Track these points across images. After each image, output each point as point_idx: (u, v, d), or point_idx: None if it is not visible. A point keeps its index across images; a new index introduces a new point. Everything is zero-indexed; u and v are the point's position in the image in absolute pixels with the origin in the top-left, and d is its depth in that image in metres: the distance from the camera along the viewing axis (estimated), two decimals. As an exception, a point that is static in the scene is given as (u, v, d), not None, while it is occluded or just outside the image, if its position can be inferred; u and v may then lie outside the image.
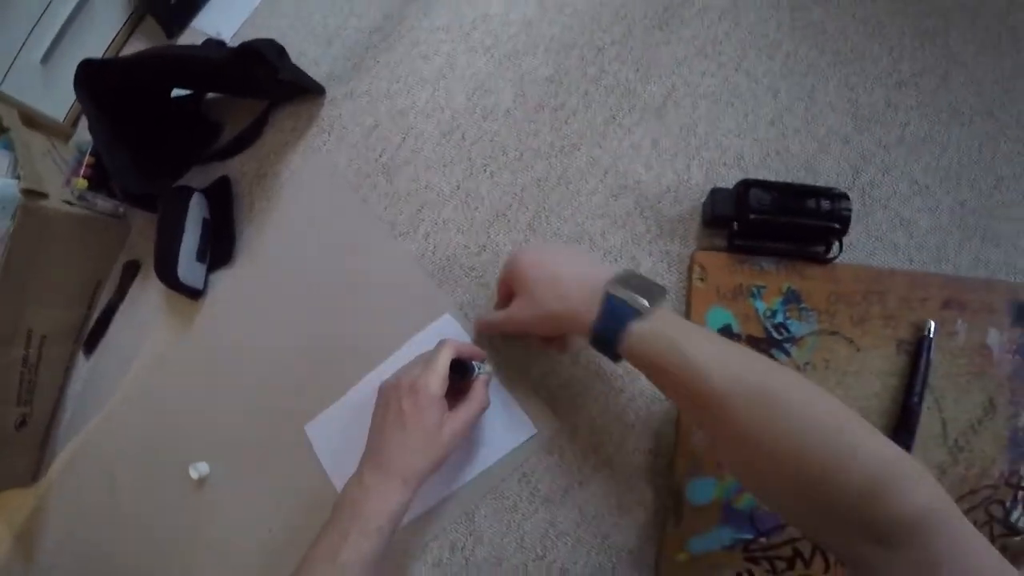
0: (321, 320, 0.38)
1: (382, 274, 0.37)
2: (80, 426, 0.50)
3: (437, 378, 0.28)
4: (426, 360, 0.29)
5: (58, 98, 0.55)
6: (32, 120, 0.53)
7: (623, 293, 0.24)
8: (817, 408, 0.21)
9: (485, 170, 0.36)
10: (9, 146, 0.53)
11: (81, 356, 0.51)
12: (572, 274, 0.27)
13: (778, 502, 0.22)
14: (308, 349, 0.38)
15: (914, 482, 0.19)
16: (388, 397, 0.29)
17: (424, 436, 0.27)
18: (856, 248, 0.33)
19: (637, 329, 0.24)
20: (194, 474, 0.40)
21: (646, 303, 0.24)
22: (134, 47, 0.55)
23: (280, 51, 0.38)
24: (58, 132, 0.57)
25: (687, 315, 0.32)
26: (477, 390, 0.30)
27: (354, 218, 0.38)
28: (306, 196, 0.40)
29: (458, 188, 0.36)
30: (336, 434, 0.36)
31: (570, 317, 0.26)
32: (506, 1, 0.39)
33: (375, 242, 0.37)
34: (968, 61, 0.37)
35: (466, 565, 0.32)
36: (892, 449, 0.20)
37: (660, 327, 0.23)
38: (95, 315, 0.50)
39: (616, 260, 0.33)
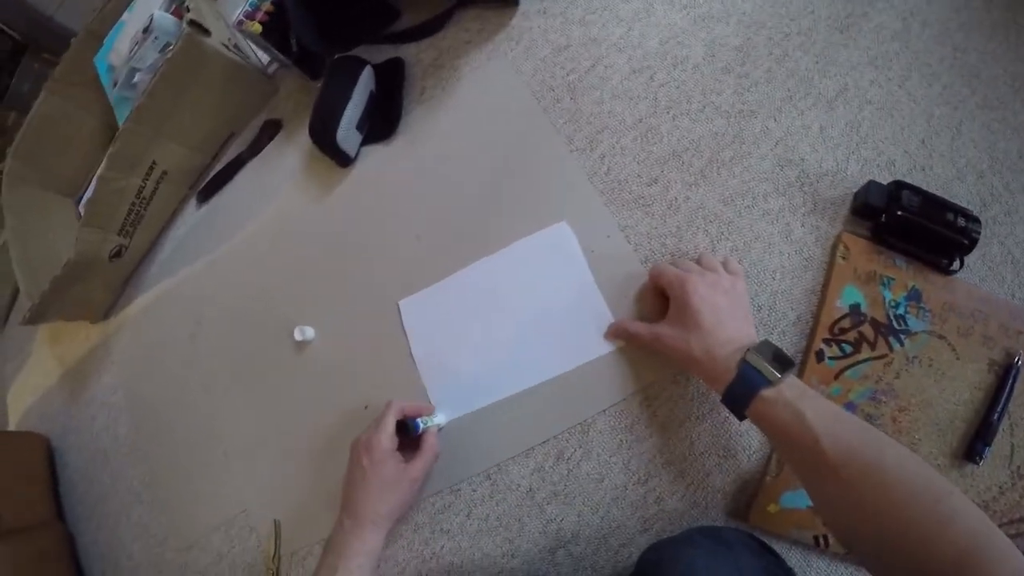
0: (460, 207, 0.41)
1: (545, 178, 0.40)
2: (175, 270, 0.51)
3: (385, 437, 0.34)
4: (376, 421, 0.35)
5: None
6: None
7: (758, 362, 0.28)
8: (920, 482, 0.24)
9: (668, 112, 0.39)
10: None
11: (192, 203, 0.52)
12: (725, 332, 0.30)
13: (875, 563, 0.25)
14: (437, 230, 0.41)
15: (1003, 555, 0.21)
16: (353, 454, 0.36)
17: (383, 486, 0.34)
18: (971, 270, 0.38)
19: (766, 395, 0.27)
20: (299, 336, 0.42)
21: (777, 374, 0.27)
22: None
23: (490, -49, 0.40)
24: None
25: (825, 288, 0.36)
26: (428, 442, 0.36)
27: (530, 123, 0.41)
28: (483, 93, 0.42)
29: (640, 122, 0.39)
30: (425, 313, 0.40)
31: (709, 369, 0.30)
32: (706, -32, 0.43)
33: (547, 149, 0.40)
34: None
35: (567, 476, 0.35)
36: (985, 524, 0.22)
37: (787, 396, 0.27)
38: (218, 166, 0.52)
39: (773, 223, 0.37)
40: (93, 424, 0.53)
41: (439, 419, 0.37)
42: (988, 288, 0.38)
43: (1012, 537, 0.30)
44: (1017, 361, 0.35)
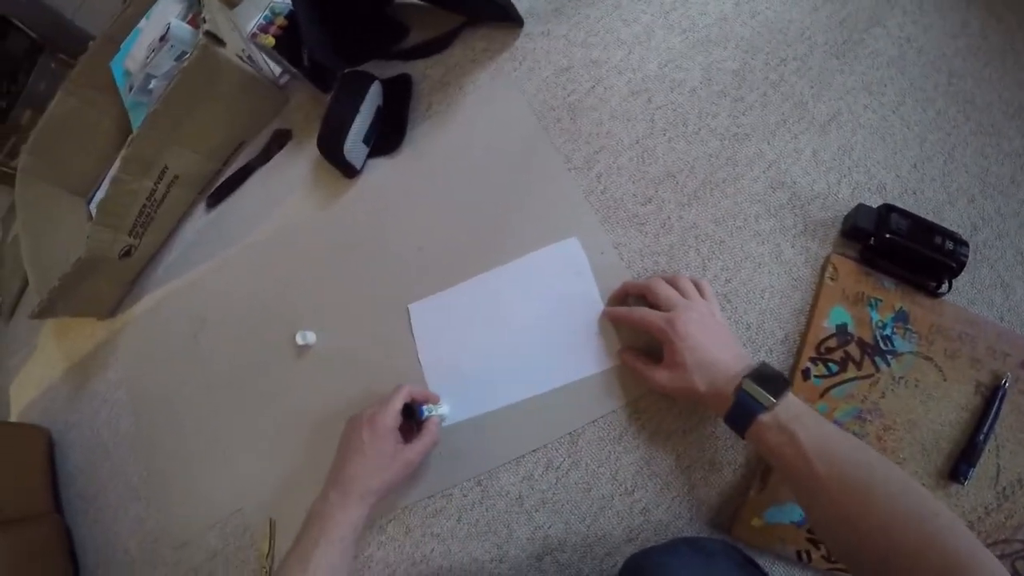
0: (461, 220, 0.44)
1: (541, 195, 0.42)
2: (182, 272, 0.54)
3: (391, 414, 0.36)
4: (383, 399, 0.37)
5: None
6: (208, -24, 0.57)
7: (754, 390, 0.30)
8: (908, 501, 0.26)
9: (664, 134, 0.42)
10: None
11: (201, 207, 0.55)
12: (721, 362, 0.32)
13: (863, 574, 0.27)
14: (438, 242, 0.44)
15: (989, 573, 0.23)
16: (351, 427, 0.37)
17: (379, 460, 0.35)
18: (959, 293, 0.39)
19: (762, 420, 0.29)
20: (300, 340, 0.44)
21: (772, 398, 0.30)
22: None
23: (499, -27, 0.43)
24: None
25: (812, 308, 0.38)
26: (429, 428, 0.37)
27: (530, 142, 0.43)
28: (486, 111, 0.45)
29: (637, 143, 0.42)
30: (434, 318, 0.42)
31: (710, 400, 0.32)
32: (707, -7, 0.46)
33: (545, 167, 0.43)
34: None
35: (555, 484, 0.37)
36: (972, 543, 0.24)
37: (781, 419, 0.29)
38: (228, 172, 0.55)
39: (763, 243, 0.39)
40: (95, 419, 0.55)
41: (444, 410, 0.39)
42: (977, 310, 0.40)
43: (999, 558, 0.31)
44: (1004, 383, 0.37)
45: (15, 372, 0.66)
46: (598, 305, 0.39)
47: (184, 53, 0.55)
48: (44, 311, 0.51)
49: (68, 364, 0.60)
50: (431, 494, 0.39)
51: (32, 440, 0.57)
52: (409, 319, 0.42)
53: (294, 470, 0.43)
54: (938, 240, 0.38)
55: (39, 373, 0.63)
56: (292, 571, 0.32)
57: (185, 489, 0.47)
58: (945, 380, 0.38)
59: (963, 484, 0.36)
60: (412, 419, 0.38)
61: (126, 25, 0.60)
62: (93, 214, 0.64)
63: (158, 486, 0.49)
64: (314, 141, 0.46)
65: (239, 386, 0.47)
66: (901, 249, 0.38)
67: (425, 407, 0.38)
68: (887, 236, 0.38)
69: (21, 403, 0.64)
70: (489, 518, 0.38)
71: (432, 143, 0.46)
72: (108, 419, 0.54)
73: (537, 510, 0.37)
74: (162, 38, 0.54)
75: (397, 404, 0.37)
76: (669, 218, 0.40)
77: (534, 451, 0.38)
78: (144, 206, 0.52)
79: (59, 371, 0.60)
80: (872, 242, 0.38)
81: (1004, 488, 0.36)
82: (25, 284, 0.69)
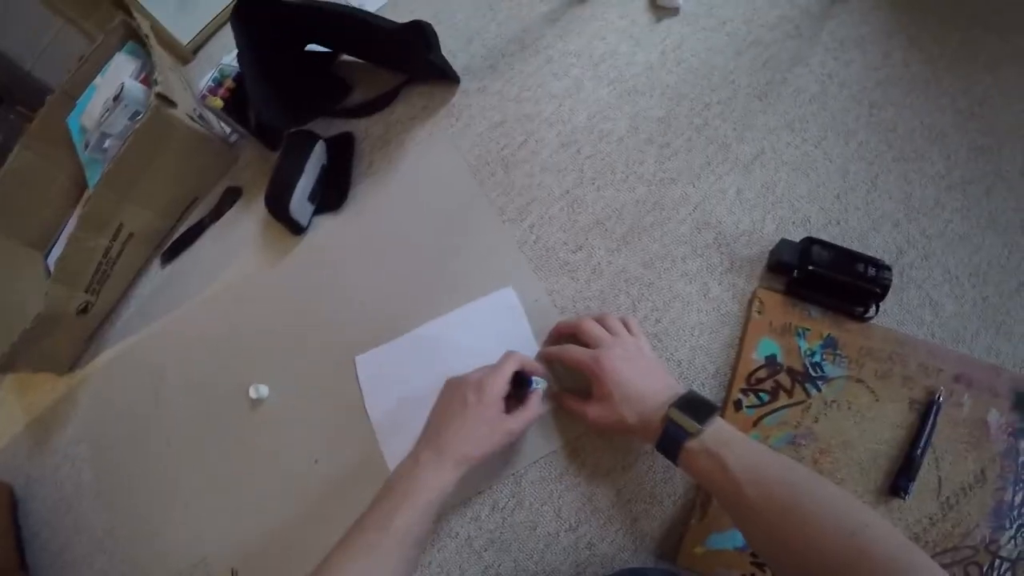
0: (403, 273, 0.50)
1: (478, 247, 0.49)
2: (138, 327, 0.60)
3: (501, 380, 0.38)
4: (493, 366, 0.39)
5: (187, 23, 0.68)
6: (160, 37, 0.64)
7: (679, 417, 0.34)
8: (837, 516, 0.29)
9: (593, 183, 0.49)
10: (136, 53, 0.65)
11: (156, 263, 0.61)
12: (649, 393, 0.36)
13: None
14: (382, 295, 0.50)
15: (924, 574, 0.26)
16: (454, 388, 0.39)
17: (481, 427, 0.36)
18: (888, 315, 0.45)
19: (689, 447, 0.33)
20: (253, 394, 0.50)
21: (698, 425, 0.33)
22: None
23: (435, 36, 0.50)
24: (179, 54, 0.69)
25: (741, 341, 0.44)
26: (534, 401, 0.40)
27: (466, 195, 0.50)
28: (425, 167, 0.52)
29: (567, 193, 0.49)
30: (379, 369, 0.47)
31: (641, 431, 0.36)
32: (633, 44, 0.54)
33: (481, 220, 0.49)
34: (1013, 179, 0.48)
35: (502, 525, 0.43)
36: (904, 548, 0.27)
37: (709, 445, 0.33)
38: (182, 228, 0.61)
39: (691, 283, 0.46)
40: (57, 474, 0.59)
41: (545, 384, 0.41)
42: (908, 330, 0.45)
43: (947, 566, 0.36)
44: (938, 397, 0.42)
45: (-26, 427, 0.72)
46: (534, 350, 0.45)
47: (137, 112, 0.62)
48: (3, 366, 0.56)
49: (28, 419, 0.64)
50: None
51: (-5, 496, 0.62)
52: (355, 370, 0.48)
53: (254, 521, 0.47)
54: (860, 267, 0.44)
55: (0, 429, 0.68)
56: (368, 534, 0.33)
57: (148, 541, 0.52)
58: (878, 400, 0.43)
59: (904, 498, 0.40)
60: (519, 389, 0.40)
61: (82, 81, 0.67)
62: (50, 268, 0.70)
63: (121, 539, 0.53)
64: (262, 199, 0.52)
65: (197, 439, 0.53)
66: (825, 279, 0.44)
67: (534, 378, 0.40)
68: (810, 268, 0.43)
69: (-20, 458, 0.69)
70: (441, 559, 0.43)
71: (374, 200, 0.53)
72: (69, 473, 0.58)
73: (486, 550, 0.42)
74: (116, 97, 0.62)
75: (508, 371, 0.38)
76: (599, 264, 0.47)
77: (479, 493, 0.43)
78: (100, 263, 0.58)
79: (19, 426, 0.65)
80: (796, 275, 0.44)
81: (948, 498, 0.40)
82: (-19, 337, 0.74)
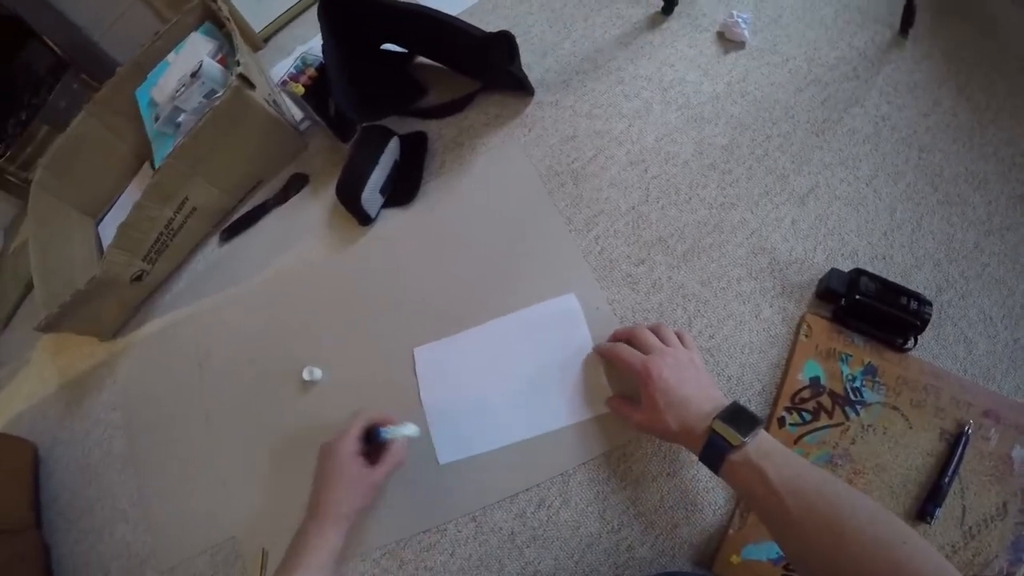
0: (467, 272, 0.53)
1: (543, 253, 0.52)
2: (190, 301, 0.63)
3: (349, 440, 0.43)
4: (342, 429, 0.44)
5: (261, 12, 0.72)
6: (235, 22, 0.69)
7: (723, 429, 0.36)
8: (875, 531, 0.30)
9: (658, 201, 0.53)
10: (211, 34, 0.69)
11: (215, 240, 0.64)
12: (693, 403, 0.39)
13: None
14: (445, 292, 0.53)
15: None
16: (320, 456, 0.44)
17: (345, 486, 0.42)
18: (925, 348, 0.48)
19: (732, 458, 0.35)
20: (307, 376, 0.53)
21: (741, 437, 0.35)
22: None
23: (517, 48, 0.54)
24: (251, 41, 0.74)
25: (788, 362, 0.48)
26: (393, 450, 0.44)
27: (535, 204, 0.54)
28: (496, 172, 0.56)
29: (633, 209, 0.53)
30: (437, 362, 0.51)
31: (684, 439, 0.39)
32: (701, 73, 0.58)
33: (548, 227, 0.53)
34: None
35: (546, 522, 0.46)
36: (939, 566, 0.28)
37: (752, 458, 0.35)
38: (244, 209, 0.64)
39: (744, 303, 0.50)
40: (86, 439, 0.61)
41: (409, 431, 0.45)
42: (942, 364, 0.48)
43: None
44: (967, 429, 0.45)
45: (3, 384, 0.73)
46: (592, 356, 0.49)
47: (213, 91, 0.66)
48: (50, 325, 0.59)
49: (62, 381, 0.67)
50: (426, 528, 0.46)
51: (16, 453, 0.63)
52: (413, 362, 0.51)
53: (291, 502, 0.47)
54: (904, 301, 0.48)
55: (30, 387, 0.70)
56: None
57: (178, 513, 0.54)
58: (911, 428, 0.47)
59: (930, 524, 0.42)
60: (374, 441, 0.44)
61: (154, 56, 0.71)
62: (101, 236, 0.74)
63: (148, 509, 0.55)
64: (330, 187, 0.56)
65: (241, 416, 0.55)
66: (870, 309, 0.47)
67: (383, 429, 0.45)
68: (857, 298, 0.47)
69: (7, 416, 0.70)
70: (482, 553, 0.46)
71: (443, 198, 0.57)
72: (100, 440, 0.61)
73: (528, 546, 0.45)
74: (194, 74, 0.65)
75: (355, 431, 0.43)
76: (659, 278, 0.51)
77: (527, 490, 0.47)
78: (161, 234, 0.61)
79: (52, 387, 0.67)
80: (843, 303, 0.48)
81: (970, 527, 0.43)
82: (22, 296, 0.77)
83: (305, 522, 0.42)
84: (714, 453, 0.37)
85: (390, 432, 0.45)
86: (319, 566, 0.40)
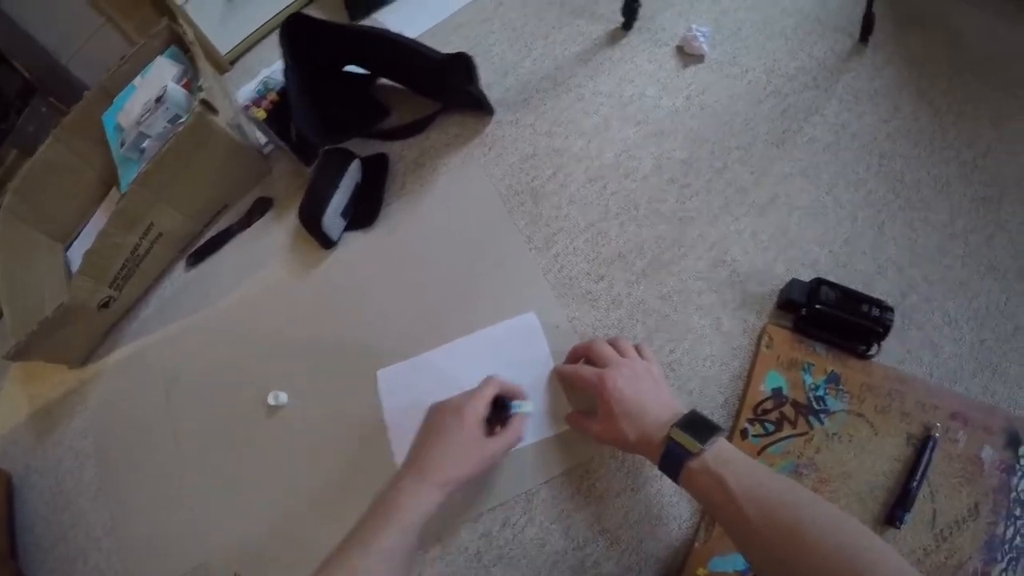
0: (429, 292, 0.54)
1: (504, 272, 0.53)
2: (157, 327, 0.63)
3: (481, 403, 0.41)
4: (473, 390, 0.43)
5: (227, 34, 0.73)
6: (200, 45, 0.69)
7: (681, 437, 0.36)
8: (837, 539, 0.30)
9: (617, 217, 0.54)
10: (177, 58, 0.70)
11: (181, 265, 0.65)
12: (650, 412, 0.39)
13: None
14: (407, 313, 0.53)
15: None
16: (436, 413, 0.42)
17: (463, 449, 0.39)
18: (889, 354, 0.49)
19: (691, 466, 0.35)
20: (272, 400, 0.54)
21: (700, 445, 0.35)
22: (312, 13, 0.70)
23: (476, 69, 0.55)
24: (217, 63, 0.74)
25: (750, 373, 0.48)
26: (515, 424, 0.43)
27: (496, 223, 0.55)
28: (456, 193, 0.57)
29: (591, 226, 0.53)
30: (400, 384, 0.51)
31: (642, 448, 0.39)
32: (660, 88, 0.59)
33: (508, 246, 0.54)
34: (1013, 229, 0.52)
35: (512, 541, 0.46)
36: (902, 570, 0.28)
37: (710, 465, 0.35)
38: (210, 233, 0.65)
39: (705, 316, 0.50)
40: (58, 467, 0.61)
41: (528, 408, 0.45)
42: (908, 369, 0.49)
43: None
44: (934, 433, 0.46)
45: (-26, 413, 0.73)
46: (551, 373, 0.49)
47: (178, 116, 0.66)
48: (19, 353, 0.57)
49: (32, 409, 0.66)
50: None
51: (-10, 482, 0.63)
52: (376, 384, 0.52)
53: (261, 526, 0.49)
54: (865, 308, 0.48)
55: (1, 416, 0.69)
56: (352, 556, 0.35)
57: (149, 540, 0.54)
58: (877, 434, 0.47)
59: (899, 528, 0.43)
60: (501, 412, 0.43)
61: (121, 80, 0.71)
62: (69, 261, 0.74)
63: (120, 537, 0.54)
64: (293, 211, 0.57)
65: (208, 441, 0.55)
66: (831, 318, 0.48)
67: (514, 403, 0.44)
68: (817, 307, 0.48)
69: (-22, 444, 0.70)
70: (449, 573, 0.46)
71: (404, 220, 0.57)
72: (72, 468, 0.60)
73: (494, 565, 0.46)
74: (158, 99, 0.66)
75: (488, 394, 0.42)
76: (619, 294, 0.51)
77: (491, 509, 0.47)
78: (127, 260, 0.61)
79: (23, 416, 0.66)
80: (804, 313, 0.49)
81: (942, 530, 0.43)
82: (-8, 324, 0.77)
83: (402, 477, 0.39)
84: (672, 461, 0.37)
85: (519, 406, 0.43)
86: (410, 527, 0.36)
